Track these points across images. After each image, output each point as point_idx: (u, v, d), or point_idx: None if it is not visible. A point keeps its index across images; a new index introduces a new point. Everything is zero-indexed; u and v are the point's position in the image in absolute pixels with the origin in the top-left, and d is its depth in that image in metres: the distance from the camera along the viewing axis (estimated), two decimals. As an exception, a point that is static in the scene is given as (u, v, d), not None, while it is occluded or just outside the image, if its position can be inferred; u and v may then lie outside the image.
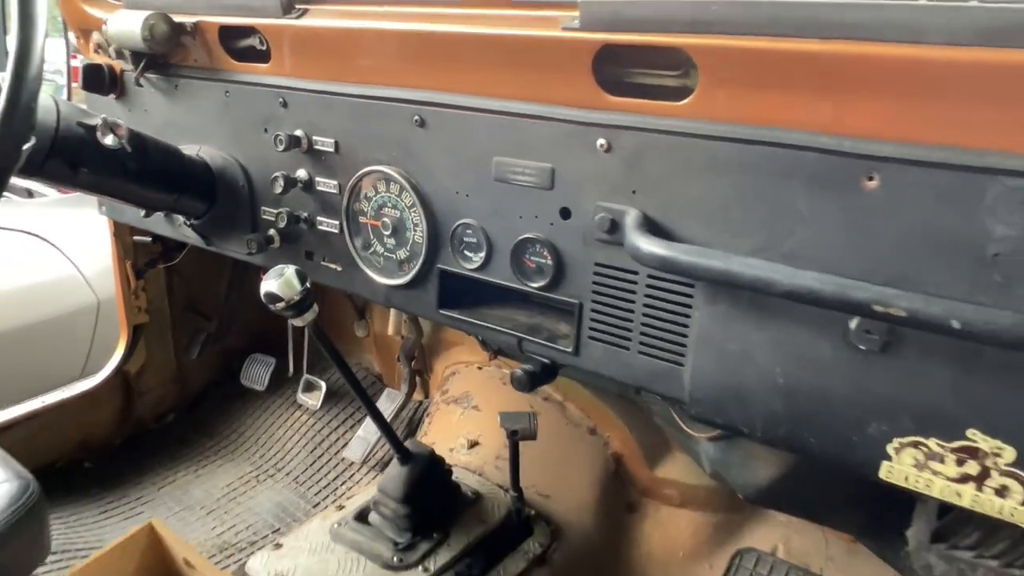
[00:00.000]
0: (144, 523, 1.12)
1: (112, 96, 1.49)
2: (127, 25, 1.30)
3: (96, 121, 1.15)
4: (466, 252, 1.10)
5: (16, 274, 2.27)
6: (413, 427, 1.98)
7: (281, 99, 1.24)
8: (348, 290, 1.29)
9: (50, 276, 2.30)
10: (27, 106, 0.94)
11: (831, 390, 0.82)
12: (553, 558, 1.37)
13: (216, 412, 2.13)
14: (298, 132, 1.21)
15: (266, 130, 1.27)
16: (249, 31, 1.25)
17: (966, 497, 0.76)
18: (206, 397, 2.17)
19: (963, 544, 1.00)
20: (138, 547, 1.10)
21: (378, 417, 1.26)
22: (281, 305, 1.04)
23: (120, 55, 1.38)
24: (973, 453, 0.75)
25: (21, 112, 0.93)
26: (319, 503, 1.82)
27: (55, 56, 2.94)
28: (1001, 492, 0.74)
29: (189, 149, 1.37)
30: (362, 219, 1.20)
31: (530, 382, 1.11)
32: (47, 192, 2.95)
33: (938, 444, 0.77)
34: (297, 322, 1.09)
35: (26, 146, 0.98)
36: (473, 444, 1.59)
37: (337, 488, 1.85)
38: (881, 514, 1.11)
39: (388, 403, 2.00)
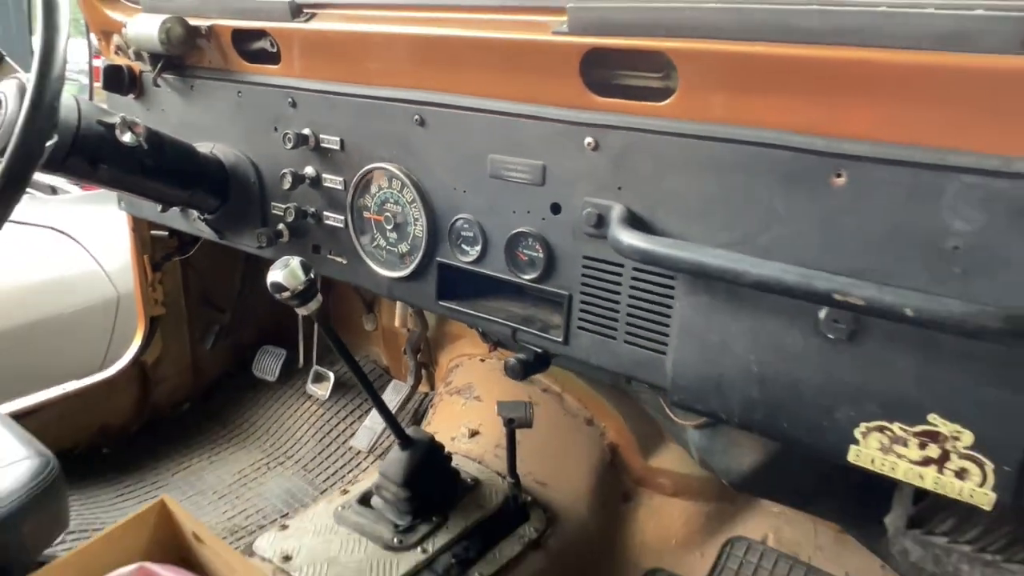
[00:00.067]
0: (156, 500, 1.18)
1: (131, 96, 1.55)
2: (145, 28, 1.36)
3: (115, 119, 1.21)
4: (463, 246, 1.15)
5: (41, 268, 2.35)
6: (418, 418, 2.03)
7: (290, 99, 1.29)
8: (353, 282, 1.34)
9: (73, 271, 2.37)
10: (50, 105, 1.00)
11: (803, 377, 0.86)
12: (548, 543, 1.41)
13: (229, 401, 2.20)
14: (306, 131, 1.27)
15: (276, 129, 1.33)
16: (260, 34, 1.31)
17: (928, 479, 0.80)
18: (219, 387, 2.24)
19: (938, 530, 1.04)
20: (150, 522, 1.16)
21: (380, 404, 1.32)
22: (286, 294, 1.09)
23: (139, 57, 1.45)
24: (934, 437, 0.79)
25: (44, 110, 0.99)
26: (326, 490, 1.87)
27: (79, 57, 3.02)
28: (960, 474, 0.78)
29: (203, 147, 1.43)
30: (366, 214, 1.26)
31: (523, 371, 1.16)
32: (70, 189, 3.03)
33: (901, 428, 0.81)
34: (302, 311, 1.14)
35: (49, 143, 1.05)
36: (474, 433, 1.64)
37: (344, 475, 1.91)
38: (863, 501, 1.15)
39: (394, 394, 2.05)
